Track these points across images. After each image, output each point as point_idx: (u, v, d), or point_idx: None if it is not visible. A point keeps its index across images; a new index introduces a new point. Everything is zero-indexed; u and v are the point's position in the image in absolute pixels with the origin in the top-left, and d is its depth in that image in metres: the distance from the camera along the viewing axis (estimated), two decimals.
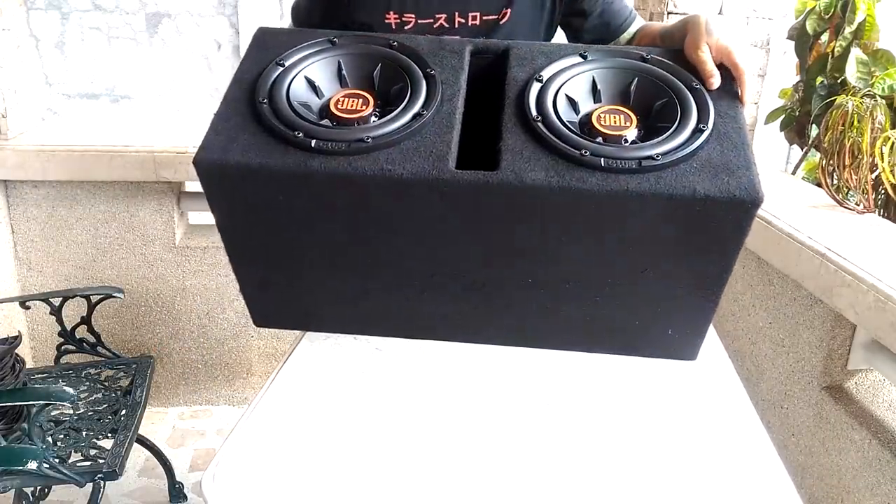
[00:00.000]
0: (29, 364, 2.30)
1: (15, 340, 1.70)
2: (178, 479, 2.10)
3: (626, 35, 1.34)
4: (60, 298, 1.97)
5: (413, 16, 1.27)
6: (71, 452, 1.68)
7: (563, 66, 1.01)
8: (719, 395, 1.07)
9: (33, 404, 1.53)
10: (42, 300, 1.96)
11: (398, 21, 1.27)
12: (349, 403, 1.02)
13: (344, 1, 1.28)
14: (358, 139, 0.93)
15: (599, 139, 0.93)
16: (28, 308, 2.10)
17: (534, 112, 0.95)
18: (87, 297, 2.00)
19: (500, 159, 0.92)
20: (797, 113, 2.62)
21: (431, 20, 1.27)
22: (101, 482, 1.67)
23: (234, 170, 0.93)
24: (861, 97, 1.89)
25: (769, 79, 2.43)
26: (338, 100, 0.98)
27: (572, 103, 0.98)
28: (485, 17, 1.28)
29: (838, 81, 2.40)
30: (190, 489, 2.12)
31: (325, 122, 0.98)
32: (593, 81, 1.00)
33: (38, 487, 1.75)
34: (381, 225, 0.99)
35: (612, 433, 0.97)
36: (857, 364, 1.63)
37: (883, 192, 1.96)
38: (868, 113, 1.81)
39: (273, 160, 0.92)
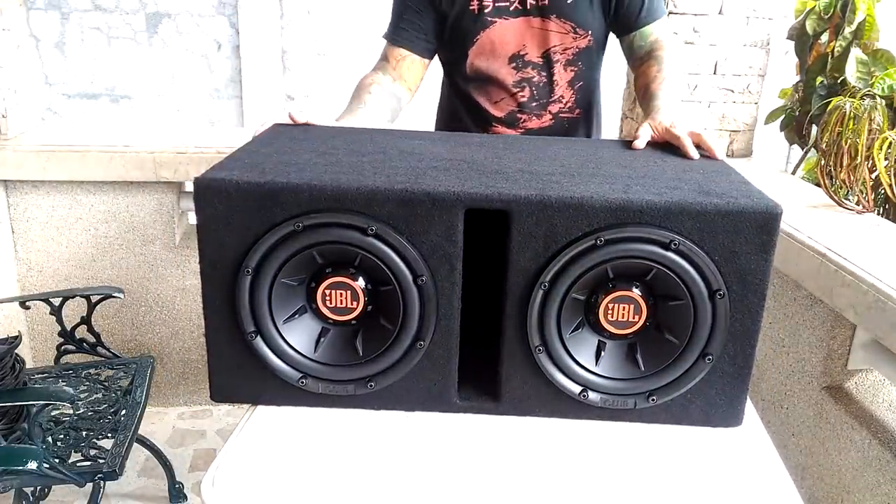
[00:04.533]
0: (29, 364, 2.30)
1: (15, 340, 1.69)
2: (178, 479, 2.10)
3: (645, 34, 1.49)
4: (60, 298, 1.97)
5: (491, 0, 1.45)
6: (71, 452, 1.68)
7: (572, 254, 0.89)
8: None
9: (33, 404, 1.53)
10: (42, 300, 1.96)
11: (479, 5, 1.46)
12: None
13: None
14: (361, 380, 0.97)
15: (604, 334, 0.95)
16: (28, 308, 2.10)
17: (535, 340, 0.93)
18: (87, 297, 2.00)
19: (501, 391, 0.97)
20: (797, 113, 2.63)
21: (507, 3, 1.45)
22: (101, 482, 1.67)
23: (245, 401, 1.01)
24: (861, 97, 1.89)
25: (769, 79, 2.44)
26: (324, 293, 0.93)
27: (578, 301, 0.93)
28: None
29: (838, 81, 2.41)
30: (190, 489, 2.12)
31: (321, 350, 0.96)
32: (606, 273, 0.91)
33: (38, 487, 1.75)
34: None
35: (610, 431, 0.97)
36: (857, 364, 1.63)
37: (882, 191, 1.96)
38: (866, 114, 1.81)
39: (285, 400, 0.99)
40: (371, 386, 0.97)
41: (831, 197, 1.91)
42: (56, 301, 1.96)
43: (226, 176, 0.90)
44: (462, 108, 1.59)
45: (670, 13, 2.27)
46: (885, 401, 1.60)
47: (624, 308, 0.92)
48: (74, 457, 1.67)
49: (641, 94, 1.44)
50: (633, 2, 1.46)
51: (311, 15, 5.34)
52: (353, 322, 0.95)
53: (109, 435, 1.74)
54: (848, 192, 1.92)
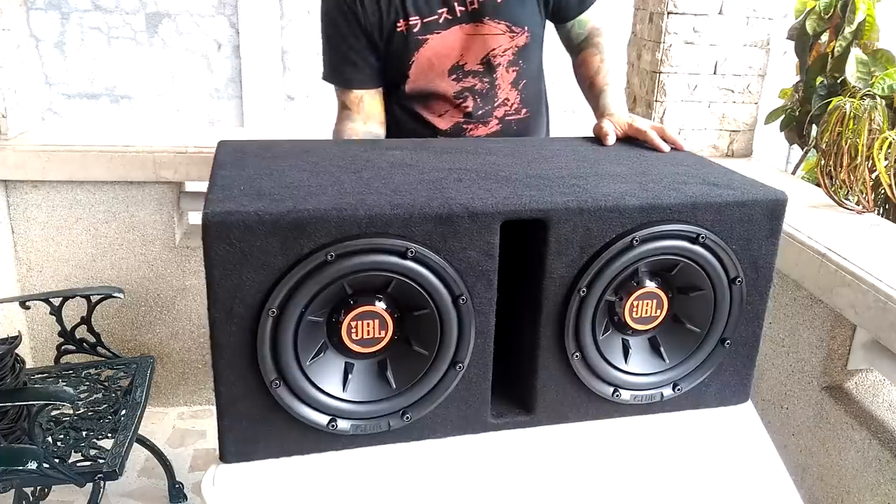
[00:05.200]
0: (29, 364, 2.30)
1: (15, 340, 1.70)
2: (178, 479, 2.10)
3: (582, 22, 1.48)
4: (60, 298, 1.97)
5: (418, 18, 1.39)
6: (71, 452, 1.68)
7: (608, 257, 0.90)
8: None
9: (33, 404, 1.53)
10: (42, 300, 1.96)
11: (406, 26, 1.39)
12: None
13: (361, 22, 1.40)
14: (396, 413, 0.90)
15: (628, 332, 0.96)
16: (28, 308, 2.10)
17: (572, 347, 0.92)
18: (87, 297, 2.00)
19: (536, 402, 0.95)
20: (797, 113, 2.63)
21: (436, 17, 1.39)
22: (101, 482, 1.67)
23: (265, 457, 0.90)
24: (861, 97, 1.90)
25: (769, 79, 2.44)
26: (349, 325, 0.85)
27: (608, 302, 0.94)
28: (481, 0, 1.39)
29: (838, 81, 2.41)
30: (190, 489, 2.12)
31: (350, 387, 0.88)
32: (636, 272, 0.93)
33: (38, 487, 1.75)
34: None
35: (608, 432, 0.97)
36: (857, 364, 1.63)
37: (882, 191, 1.96)
38: (866, 114, 1.82)
39: (312, 448, 0.90)
40: (407, 418, 0.90)
41: (831, 197, 1.91)
42: (56, 301, 1.96)
43: (240, 208, 0.80)
44: (409, 119, 1.55)
45: (670, 13, 2.27)
46: (885, 401, 1.60)
47: (647, 304, 0.94)
48: (74, 457, 1.67)
49: (587, 87, 1.44)
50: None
51: (311, 15, 5.35)
52: (380, 352, 0.88)
53: (109, 435, 1.74)
54: (848, 192, 1.92)
